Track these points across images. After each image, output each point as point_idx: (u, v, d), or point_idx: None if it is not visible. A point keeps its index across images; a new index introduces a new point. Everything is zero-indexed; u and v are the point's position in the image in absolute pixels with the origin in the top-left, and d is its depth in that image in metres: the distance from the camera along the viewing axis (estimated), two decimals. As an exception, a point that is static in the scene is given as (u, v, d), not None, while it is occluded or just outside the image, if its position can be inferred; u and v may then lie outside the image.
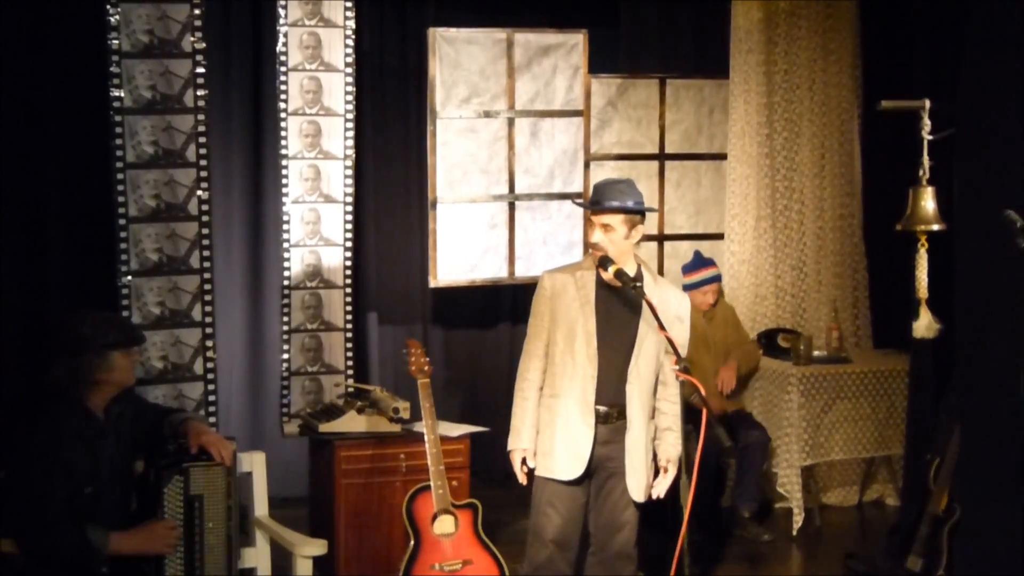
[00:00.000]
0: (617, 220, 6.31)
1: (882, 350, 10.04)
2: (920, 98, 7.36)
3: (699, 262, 9.32)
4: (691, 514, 5.73)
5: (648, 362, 6.41)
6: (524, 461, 6.48)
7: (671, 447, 6.52)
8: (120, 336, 5.82)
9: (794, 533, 9.07)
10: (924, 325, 7.44)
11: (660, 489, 6.52)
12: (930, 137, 7.25)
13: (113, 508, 5.66)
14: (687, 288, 9.13)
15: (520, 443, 6.48)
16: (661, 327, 6.02)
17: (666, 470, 6.52)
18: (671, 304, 6.41)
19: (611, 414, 6.35)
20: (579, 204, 6.57)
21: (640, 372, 6.38)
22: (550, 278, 6.51)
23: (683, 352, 6.17)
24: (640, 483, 6.44)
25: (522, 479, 6.50)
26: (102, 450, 5.67)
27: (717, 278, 9.29)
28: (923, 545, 7.59)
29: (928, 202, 7.31)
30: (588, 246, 6.44)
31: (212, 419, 7.66)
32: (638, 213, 6.41)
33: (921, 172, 7.29)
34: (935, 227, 7.30)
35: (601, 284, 6.38)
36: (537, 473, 6.46)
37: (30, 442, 5.53)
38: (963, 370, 6.84)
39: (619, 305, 6.39)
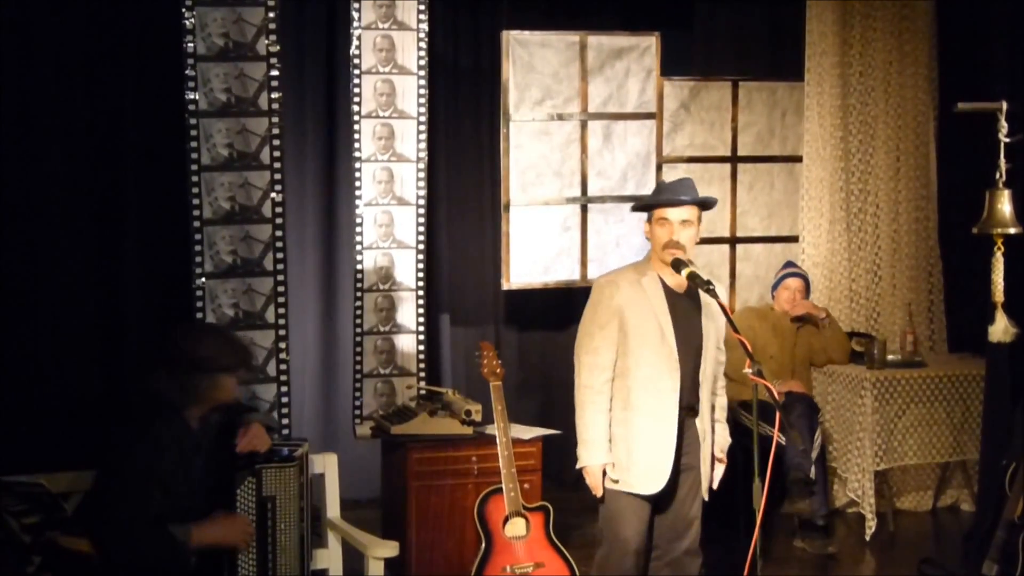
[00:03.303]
0: (695, 214, 6.29)
1: (957, 354, 9.97)
2: (997, 100, 7.30)
3: (785, 264, 9.50)
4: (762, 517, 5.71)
5: (712, 361, 6.42)
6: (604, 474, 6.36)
7: (723, 438, 6.58)
8: (234, 360, 5.76)
9: (867, 538, 9.01)
10: (1000, 329, 7.37)
11: (715, 479, 6.54)
12: (1007, 139, 7.18)
13: (199, 516, 5.64)
14: (773, 289, 9.46)
15: (599, 457, 6.32)
16: (735, 330, 6.00)
17: (722, 460, 6.55)
18: (712, 303, 6.35)
19: (681, 416, 6.32)
20: (651, 203, 6.29)
21: (707, 373, 6.38)
22: (612, 286, 6.37)
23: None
24: (706, 481, 6.46)
25: (600, 493, 6.39)
26: (195, 462, 5.68)
27: (800, 275, 9.35)
28: (999, 551, 7.51)
29: (1005, 205, 7.24)
30: (665, 246, 6.27)
31: (285, 420, 7.70)
32: (711, 205, 6.47)
33: (998, 175, 7.22)
34: (1012, 230, 7.23)
35: (666, 288, 6.33)
36: (617, 488, 6.35)
37: (131, 455, 5.50)
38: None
39: (685, 307, 6.35)
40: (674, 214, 6.26)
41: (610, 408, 6.36)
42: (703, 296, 6.29)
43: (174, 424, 5.64)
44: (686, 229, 6.25)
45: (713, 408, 6.50)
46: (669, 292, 6.32)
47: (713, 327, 6.40)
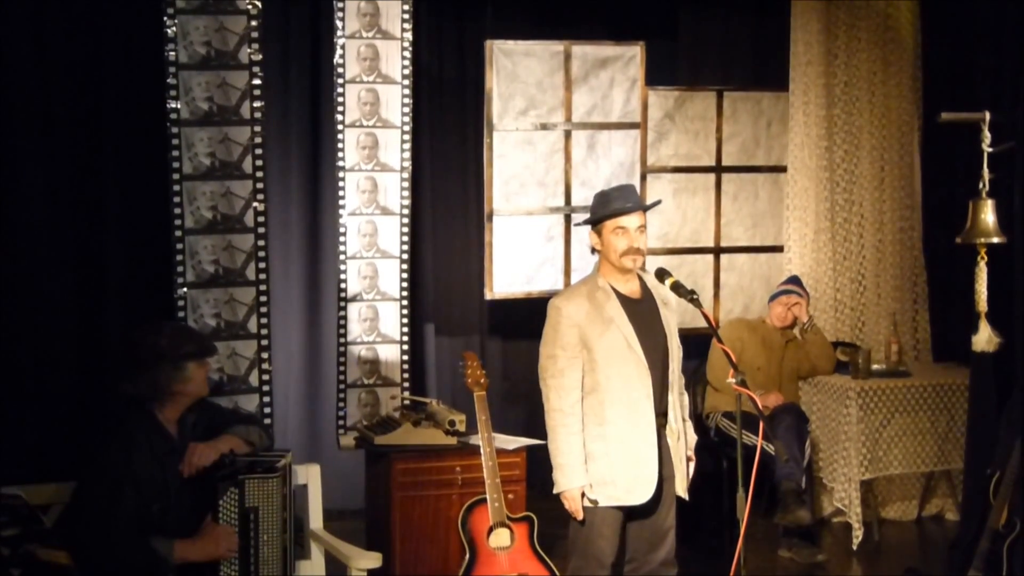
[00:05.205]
0: (644, 218, 6.30)
1: (942, 364, 9.96)
2: (980, 110, 7.30)
3: (788, 280, 9.51)
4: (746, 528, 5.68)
5: (678, 363, 6.42)
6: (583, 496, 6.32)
7: (691, 436, 6.56)
8: (195, 347, 5.85)
9: (853, 548, 9.00)
10: (984, 339, 7.39)
11: (688, 479, 6.52)
12: (990, 149, 7.19)
13: (181, 522, 5.64)
14: (770, 301, 9.49)
15: (577, 480, 6.26)
16: (719, 340, 6.03)
17: (691, 459, 6.54)
18: (671, 296, 6.38)
19: (657, 423, 6.30)
20: (610, 213, 6.23)
21: (675, 375, 6.39)
22: (568, 305, 6.33)
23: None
24: (683, 483, 6.45)
25: (581, 517, 6.34)
26: (172, 465, 5.67)
27: (798, 293, 9.31)
28: (983, 560, 7.50)
29: (988, 215, 7.26)
30: (624, 254, 6.23)
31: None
32: (655, 205, 6.57)
33: (981, 185, 7.24)
34: (995, 240, 7.25)
35: (621, 298, 6.31)
36: (601, 504, 6.30)
37: (102, 456, 5.56)
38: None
39: (644, 312, 6.34)
40: (631, 221, 6.24)
41: (583, 427, 6.32)
42: (657, 291, 6.37)
43: (147, 425, 5.69)
44: (643, 234, 6.26)
45: (680, 407, 6.49)
46: (625, 300, 6.30)
47: (674, 319, 6.42)
